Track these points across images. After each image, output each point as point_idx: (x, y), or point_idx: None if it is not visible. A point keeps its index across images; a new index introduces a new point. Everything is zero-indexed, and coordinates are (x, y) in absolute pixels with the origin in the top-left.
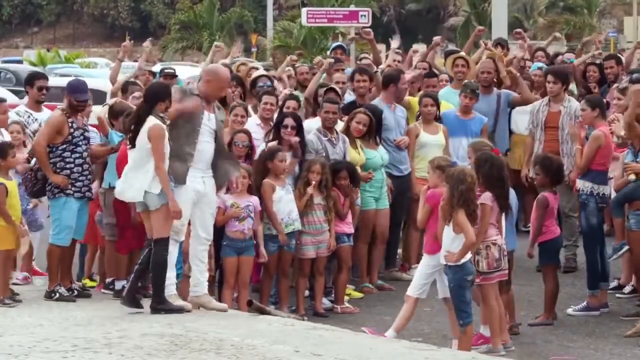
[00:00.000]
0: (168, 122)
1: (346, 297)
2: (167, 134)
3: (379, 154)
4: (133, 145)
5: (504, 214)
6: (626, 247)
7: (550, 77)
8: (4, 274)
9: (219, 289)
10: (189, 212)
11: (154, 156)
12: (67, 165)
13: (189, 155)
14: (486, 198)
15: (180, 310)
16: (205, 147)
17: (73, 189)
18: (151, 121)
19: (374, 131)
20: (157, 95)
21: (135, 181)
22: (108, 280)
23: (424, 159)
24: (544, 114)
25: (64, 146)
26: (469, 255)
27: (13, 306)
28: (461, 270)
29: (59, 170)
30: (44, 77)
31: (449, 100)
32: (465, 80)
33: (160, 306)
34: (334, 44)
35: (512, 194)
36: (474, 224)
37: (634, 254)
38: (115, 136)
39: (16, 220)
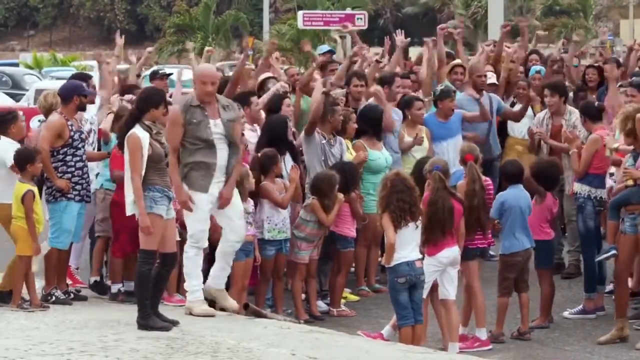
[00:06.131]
0: (155, 131)
1: (342, 300)
2: (145, 144)
3: (383, 156)
4: (123, 151)
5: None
6: (613, 252)
7: (546, 92)
8: (23, 279)
9: None
10: (208, 219)
11: (129, 166)
12: (69, 169)
13: (203, 164)
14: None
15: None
16: (220, 154)
17: (73, 192)
18: (134, 129)
19: (370, 132)
20: (148, 101)
21: (128, 192)
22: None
23: (405, 161)
24: (548, 127)
25: (65, 149)
26: (403, 258)
27: (32, 311)
28: (392, 272)
29: (60, 174)
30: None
31: None
32: (439, 86)
33: (144, 321)
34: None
35: (526, 194)
36: (399, 227)
37: (620, 257)
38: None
39: (39, 225)
